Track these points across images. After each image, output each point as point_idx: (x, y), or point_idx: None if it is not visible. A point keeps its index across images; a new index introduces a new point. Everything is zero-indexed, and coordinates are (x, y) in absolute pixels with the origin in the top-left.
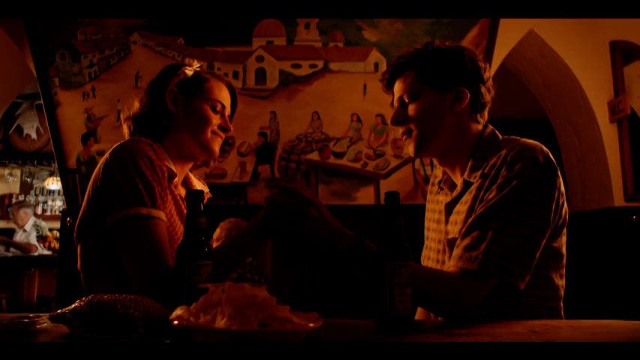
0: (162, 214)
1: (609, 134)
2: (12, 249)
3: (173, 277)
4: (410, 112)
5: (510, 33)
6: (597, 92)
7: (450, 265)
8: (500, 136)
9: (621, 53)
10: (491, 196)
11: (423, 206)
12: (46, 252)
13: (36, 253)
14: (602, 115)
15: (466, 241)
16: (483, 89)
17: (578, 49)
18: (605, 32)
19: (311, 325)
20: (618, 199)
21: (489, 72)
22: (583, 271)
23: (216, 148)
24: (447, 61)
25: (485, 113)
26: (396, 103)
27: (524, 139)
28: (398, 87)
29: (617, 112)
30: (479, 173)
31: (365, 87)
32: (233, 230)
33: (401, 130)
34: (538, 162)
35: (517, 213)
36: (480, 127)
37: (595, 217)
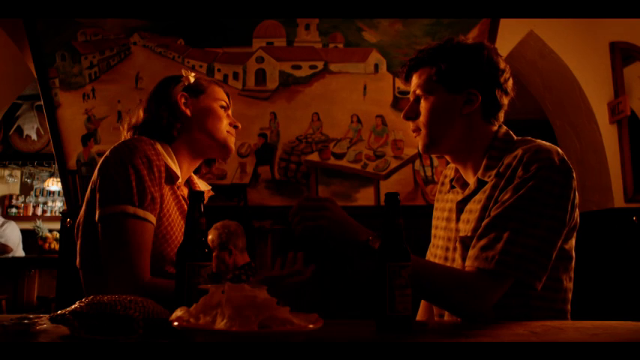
0: (150, 216)
1: (609, 135)
2: None
3: (175, 278)
4: (421, 110)
5: (510, 34)
6: (597, 93)
7: (466, 265)
8: (515, 137)
9: (621, 54)
10: (507, 197)
11: (423, 207)
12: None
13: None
14: (602, 116)
15: (483, 242)
16: (498, 93)
17: (578, 50)
18: (605, 33)
19: (311, 326)
20: (618, 200)
21: (509, 73)
22: (583, 272)
23: (232, 145)
24: (462, 61)
25: (500, 115)
26: (410, 98)
27: (539, 141)
28: (414, 82)
29: (617, 113)
30: (493, 172)
31: (365, 88)
32: (224, 232)
33: (412, 126)
34: (554, 163)
35: (534, 214)
36: (495, 127)
37: (595, 218)
